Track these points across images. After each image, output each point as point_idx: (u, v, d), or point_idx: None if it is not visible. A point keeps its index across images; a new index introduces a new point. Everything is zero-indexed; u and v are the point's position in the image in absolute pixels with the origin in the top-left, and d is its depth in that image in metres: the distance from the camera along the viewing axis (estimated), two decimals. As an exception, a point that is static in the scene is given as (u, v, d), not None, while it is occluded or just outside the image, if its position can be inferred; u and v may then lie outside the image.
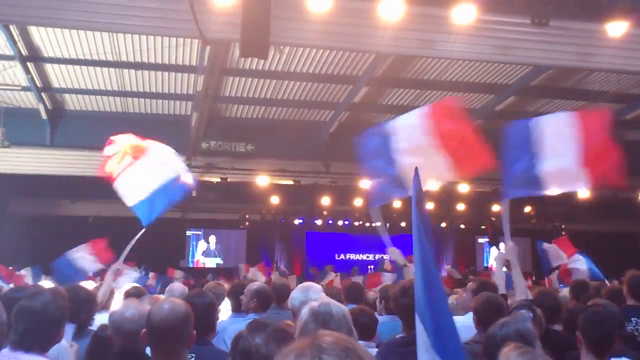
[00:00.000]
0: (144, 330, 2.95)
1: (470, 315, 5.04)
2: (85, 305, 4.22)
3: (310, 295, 3.73)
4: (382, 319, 5.36)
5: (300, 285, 4.03)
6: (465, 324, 4.76)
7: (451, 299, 6.27)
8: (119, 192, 5.90)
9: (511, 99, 13.50)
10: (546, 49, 8.89)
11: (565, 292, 8.31)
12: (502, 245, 23.60)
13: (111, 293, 6.10)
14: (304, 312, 2.77)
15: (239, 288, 5.91)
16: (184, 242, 22.08)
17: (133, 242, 5.84)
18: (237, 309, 5.77)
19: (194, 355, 3.54)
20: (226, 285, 6.74)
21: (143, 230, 5.85)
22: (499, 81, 12.58)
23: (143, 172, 5.83)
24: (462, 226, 22.33)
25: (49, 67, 11.86)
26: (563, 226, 22.23)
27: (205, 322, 3.86)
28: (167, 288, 6.59)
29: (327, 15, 7.61)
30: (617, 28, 8.02)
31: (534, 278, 14.97)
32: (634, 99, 13.49)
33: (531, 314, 4.08)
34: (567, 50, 8.99)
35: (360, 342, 4.67)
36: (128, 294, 5.72)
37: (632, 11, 7.92)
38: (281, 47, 10.23)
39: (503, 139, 4.68)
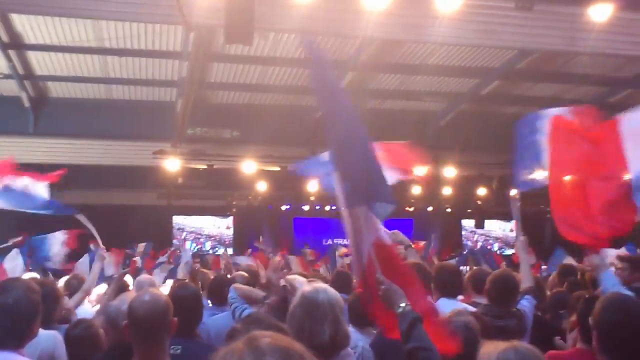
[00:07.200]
0: (125, 322, 2.96)
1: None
2: (51, 300, 4.13)
3: None
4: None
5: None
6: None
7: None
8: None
9: (496, 83, 13.53)
10: (530, 32, 8.92)
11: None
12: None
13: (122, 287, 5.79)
14: (296, 297, 2.85)
15: (219, 282, 5.97)
16: (170, 229, 22.01)
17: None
18: (216, 302, 5.79)
19: (180, 347, 3.53)
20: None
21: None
22: (485, 65, 12.60)
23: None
24: (449, 210, 22.41)
25: (31, 55, 11.69)
26: (548, 209, 22.38)
27: (192, 315, 3.89)
28: (135, 282, 6.53)
29: (312, 0, 7.58)
30: (601, 11, 8.05)
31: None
32: (618, 82, 13.55)
33: (534, 301, 4.18)
34: (551, 34, 9.02)
35: (351, 328, 4.68)
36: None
37: (616, -6, 7.95)
38: (266, 33, 10.17)
39: (516, 129, 4.60)
